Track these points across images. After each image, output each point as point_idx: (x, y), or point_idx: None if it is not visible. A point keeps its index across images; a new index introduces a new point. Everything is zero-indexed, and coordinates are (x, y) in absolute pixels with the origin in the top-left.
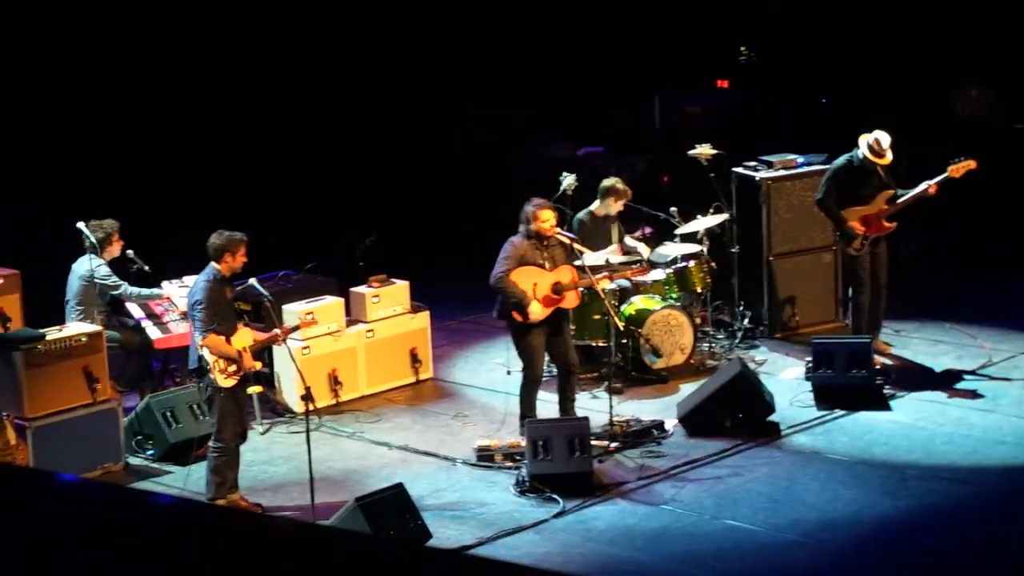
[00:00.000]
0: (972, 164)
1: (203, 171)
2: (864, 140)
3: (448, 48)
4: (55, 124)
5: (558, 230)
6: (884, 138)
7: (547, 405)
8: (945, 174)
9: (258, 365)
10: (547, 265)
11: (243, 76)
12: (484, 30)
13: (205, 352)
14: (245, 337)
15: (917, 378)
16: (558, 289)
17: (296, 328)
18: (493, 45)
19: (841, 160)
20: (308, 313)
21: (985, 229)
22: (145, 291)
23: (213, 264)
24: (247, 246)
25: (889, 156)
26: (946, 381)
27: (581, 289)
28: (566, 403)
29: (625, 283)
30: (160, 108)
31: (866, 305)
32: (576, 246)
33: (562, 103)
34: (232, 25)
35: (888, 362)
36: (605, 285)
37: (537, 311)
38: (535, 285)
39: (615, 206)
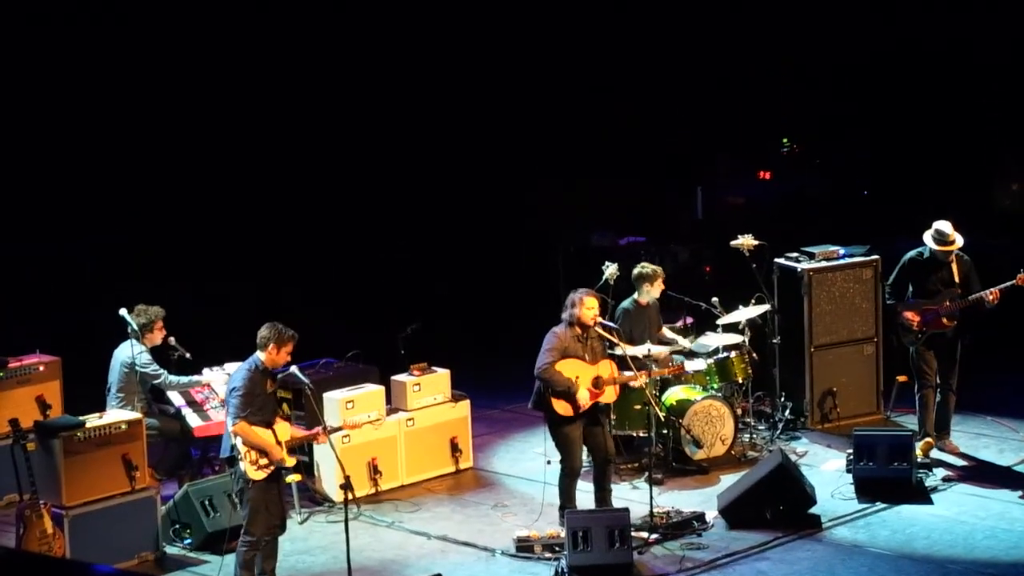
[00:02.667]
0: None
1: (251, 259)
2: (928, 234)
3: (499, 137)
4: (101, 216)
5: (601, 320)
6: (944, 226)
7: (586, 495)
8: (1012, 282)
9: (292, 461)
10: (587, 357)
11: (293, 170)
12: (530, 117)
13: (238, 441)
14: (283, 431)
15: (959, 472)
16: (598, 383)
17: (337, 429)
18: (540, 132)
19: (911, 252)
20: (349, 401)
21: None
22: (184, 379)
23: (258, 354)
24: (294, 343)
25: (957, 241)
26: (987, 475)
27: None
28: (602, 493)
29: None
30: (211, 196)
31: (929, 402)
32: (614, 339)
33: (607, 192)
34: (282, 104)
35: (950, 460)
36: (643, 382)
37: (585, 398)
38: (577, 378)
39: (654, 290)
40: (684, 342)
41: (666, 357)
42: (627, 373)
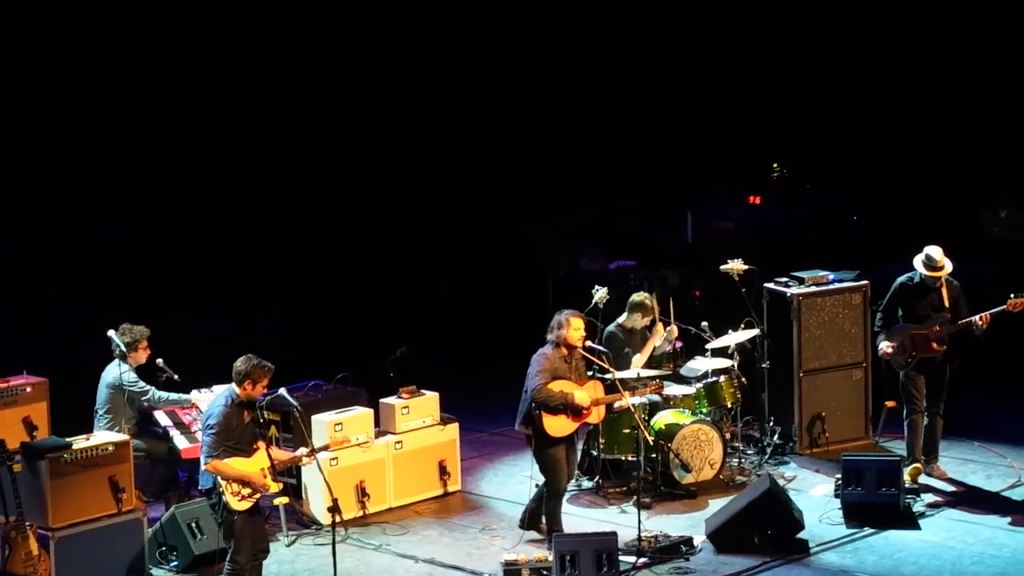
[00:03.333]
0: None
1: (241, 280)
2: (918, 259)
3: (491, 162)
4: (89, 236)
5: (590, 343)
6: (934, 251)
7: (575, 519)
8: (1002, 307)
9: (276, 487)
10: (573, 378)
11: (283, 190)
12: (521, 143)
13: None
14: (263, 459)
15: (947, 497)
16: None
17: (325, 448)
18: (531, 156)
19: (902, 277)
20: (337, 424)
21: (1012, 346)
22: (173, 396)
23: (233, 386)
24: (270, 376)
25: (946, 267)
26: (976, 500)
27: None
28: (540, 513)
29: (655, 397)
30: (198, 217)
31: (918, 427)
32: (603, 364)
33: (596, 216)
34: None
35: (938, 485)
36: (628, 402)
37: (585, 397)
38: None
39: (641, 321)
40: (667, 334)
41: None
42: (613, 394)
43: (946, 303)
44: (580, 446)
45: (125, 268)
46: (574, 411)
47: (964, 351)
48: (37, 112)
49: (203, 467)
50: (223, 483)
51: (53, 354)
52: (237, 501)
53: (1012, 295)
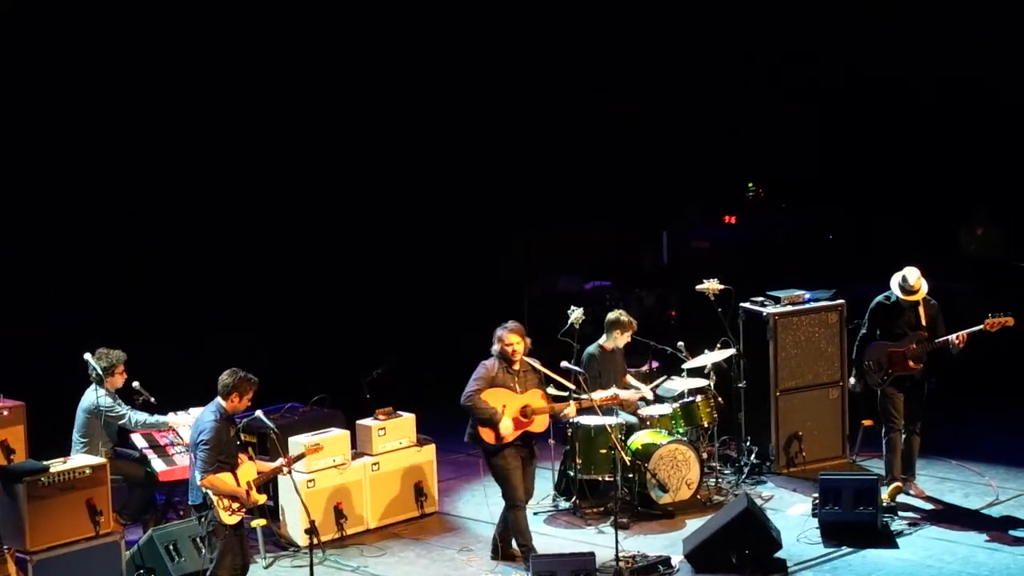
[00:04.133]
0: (1010, 321)
1: (208, 307)
2: (894, 279)
3: (465, 180)
4: (64, 253)
5: (565, 364)
6: (911, 274)
7: (553, 540)
8: (980, 326)
9: (262, 499)
10: (517, 388)
11: (258, 206)
12: (495, 162)
13: (209, 490)
14: (249, 471)
15: (925, 515)
16: (527, 412)
17: (301, 456)
18: (507, 176)
19: (879, 297)
20: (315, 444)
21: (991, 365)
22: (151, 419)
23: (220, 400)
24: (255, 390)
25: (922, 290)
26: (953, 518)
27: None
28: (507, 533)
29: (631, 416)
30: (178, 244)
31: (897, 445)
32: (581, 386)
33: (572, 237)
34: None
35: (916, 503)
36: (571, 412)
37: (508, 427)
38: (503, 407)
39: (622, 339)
40: (645, 390)
41: (634, 401)
42: (559, 403)
43: (923, 321)
44: (557, 466)
45: (111, 276)
46: (495, 432)
47: (941, 369)
48: (37, 112)
49: (198, 482)
50: (215, 498)
51: (29, 376)
52: (227, 515)
53: (990, 314)
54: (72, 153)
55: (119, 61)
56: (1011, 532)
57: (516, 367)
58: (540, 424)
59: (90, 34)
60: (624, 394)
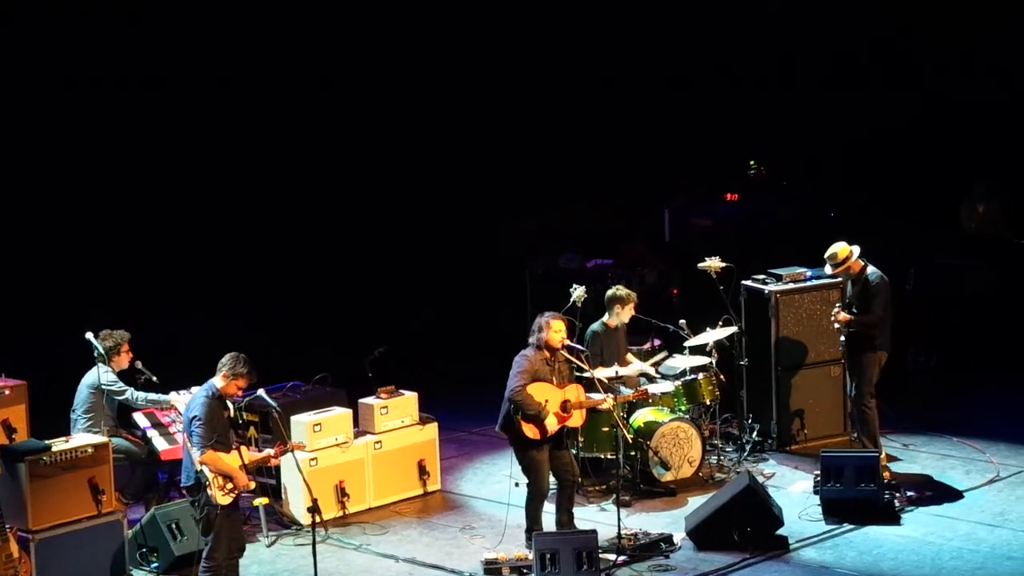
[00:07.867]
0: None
1: (213, 285)
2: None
3: (464, 160)
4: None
5: (568, 343)
6: (829, 250)
7: (547, 516)
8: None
9: (252, 484)
10: (555, 380)
11: (264, 195)
12: (499, 140)
13: (205, 468)
14: (242, 456)
15: (925, 492)
16: (566, 407)
17: (287, 451)
18: (507, 155)
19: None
20: (316, 424)
21: (994, 342)
22: (152, 396)
23: (214, 381)
24: (249, 381)
25: (827, 269)
26: (954, 495)
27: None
28: (565, 516)
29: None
30: (181, 223)
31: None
32: (581, 363)
33: (574, 215)
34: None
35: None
36: (610, 405)
37: (553, 424)
38: (546, 402)
39: (625, 313)
40: (646, 367)
41: (635, 378)
42: (594, 396)
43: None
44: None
45: (104, 267)
46: (540, 428)
47: (943, 346)
48: (36, 112)
49: (196, 459)
50: (210, 476)
51: (32, 355)
52: (222, 496)
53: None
54: (78, 127)
55: (118, 61)
56: (1012, 509)
57: (553, 358)
58: (577, 419)
59: (90, 34)
60: (624, 371)
